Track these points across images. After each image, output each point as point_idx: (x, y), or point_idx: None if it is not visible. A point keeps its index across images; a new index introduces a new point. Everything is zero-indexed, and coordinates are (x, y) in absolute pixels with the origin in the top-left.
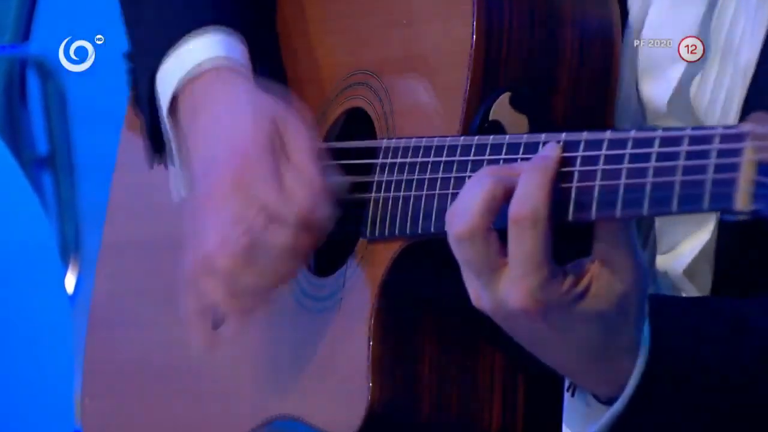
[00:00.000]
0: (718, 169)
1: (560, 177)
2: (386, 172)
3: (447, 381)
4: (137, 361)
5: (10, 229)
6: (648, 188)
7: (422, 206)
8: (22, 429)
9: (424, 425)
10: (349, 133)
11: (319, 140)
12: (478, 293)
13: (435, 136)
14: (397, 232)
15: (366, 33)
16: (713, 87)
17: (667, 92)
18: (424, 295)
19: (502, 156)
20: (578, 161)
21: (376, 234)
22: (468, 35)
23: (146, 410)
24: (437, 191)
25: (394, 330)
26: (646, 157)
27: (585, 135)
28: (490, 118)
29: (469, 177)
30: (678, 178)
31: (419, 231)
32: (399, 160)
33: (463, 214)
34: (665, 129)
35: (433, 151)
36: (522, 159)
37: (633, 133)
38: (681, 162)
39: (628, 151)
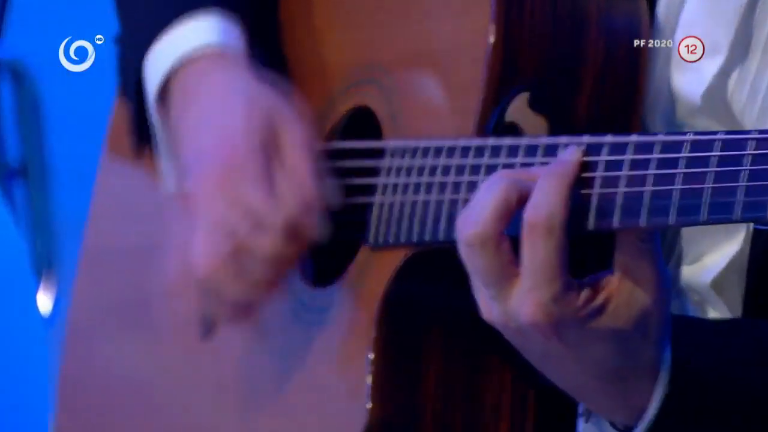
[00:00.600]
0: (752, 176)
1: (581, 183)
2: (392, 174)
3: (451, 401)
4: (118, 376)
5: None
6: (676, 195)
7: (431, 212)
8: None
9: None
10: (354, 133)
11: (319, 139)
12: (488, 305)
13: (446, 137)
14: (402, 239)
15: (376, 28)
16: (752, 84)
17: (701, 86)
18: (429, 308)
19: (519, 159)
20: (601, 166)
21: (380, 241)
22: (485, 29)
23: (128, 429)
24: (448, 196)
25: (396, 345)
26: (674, 163)
27: (609, 138)
28: (506, 120)
29: (483, 182)
30: (708, 185)
31: (427, 238)
32: (406, 161)
33: (475, 220)
34: (696, 133)
35: (444, 153)
36: (540, 163)
37: (661, 137)
38: (712, 168)
39: (656, 155)
